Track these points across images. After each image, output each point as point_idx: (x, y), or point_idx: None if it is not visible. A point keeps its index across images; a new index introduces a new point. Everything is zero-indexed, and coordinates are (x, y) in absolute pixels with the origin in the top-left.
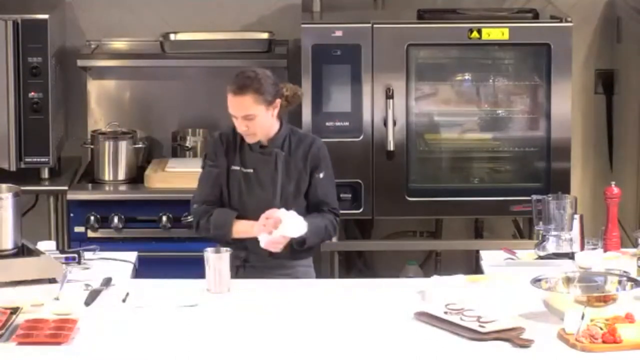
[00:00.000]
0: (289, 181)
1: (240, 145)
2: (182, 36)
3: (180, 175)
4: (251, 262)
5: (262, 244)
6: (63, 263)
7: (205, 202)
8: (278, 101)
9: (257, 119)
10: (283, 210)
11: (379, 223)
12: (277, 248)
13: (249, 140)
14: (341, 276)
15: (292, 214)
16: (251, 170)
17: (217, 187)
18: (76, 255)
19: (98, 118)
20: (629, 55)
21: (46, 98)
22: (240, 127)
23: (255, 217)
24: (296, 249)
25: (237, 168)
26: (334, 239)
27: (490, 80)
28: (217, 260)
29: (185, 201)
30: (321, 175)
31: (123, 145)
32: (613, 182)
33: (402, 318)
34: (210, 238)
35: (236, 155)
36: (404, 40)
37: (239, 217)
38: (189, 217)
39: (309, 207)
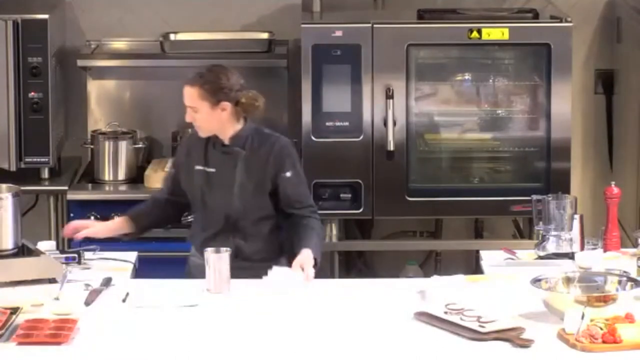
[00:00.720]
0: (249, 180)
1: (206, 145)
2: (182, 36)
3: None
4: (237, 262)
5: (302, 283)
6: (63, 263)
7: (153, 196)
8: (226, 104)
9: (200, 113)
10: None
11: (379, 223)
12: (311, 278)
13: (200, 134)
14: (341, 276)
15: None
16: (213, 170)
17: (171, 187)
18: (76, 255)
19: (98, 118)
20: (629, 55)
21: (46, 98)
22: (187, 117)
23: (217, 217)
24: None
25: (201, 168)
26: (334, 239)
27: (490, 80)
28: (217, 260)
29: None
30: (288, 174)
31: (123, 145)
32: (613, 182)
33: (402, 318)
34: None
35: (201, 155)
36: (404, 40)
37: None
38: (189, 217)
39: (283, 207)
